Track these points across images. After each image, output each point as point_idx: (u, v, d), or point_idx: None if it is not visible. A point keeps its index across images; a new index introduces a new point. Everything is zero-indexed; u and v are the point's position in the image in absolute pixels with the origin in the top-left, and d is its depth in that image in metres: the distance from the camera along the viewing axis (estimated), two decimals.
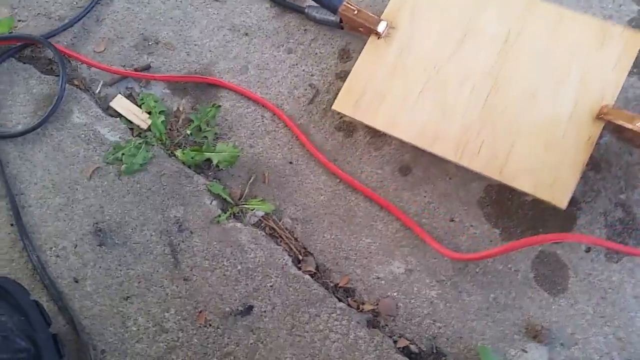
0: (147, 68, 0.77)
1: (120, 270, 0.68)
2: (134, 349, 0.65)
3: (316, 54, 0.74)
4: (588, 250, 0.64)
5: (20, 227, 0.70)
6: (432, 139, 0.64)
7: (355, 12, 0.69)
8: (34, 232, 0.70)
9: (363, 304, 0.66)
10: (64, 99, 0.75)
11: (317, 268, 0.67)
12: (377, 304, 0.65)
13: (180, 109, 0.75)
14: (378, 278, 0.66)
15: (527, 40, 0.65)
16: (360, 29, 0.70)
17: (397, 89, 0.67)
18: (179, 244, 0.68)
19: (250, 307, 0.66)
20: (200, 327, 0.65)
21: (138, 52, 0.77)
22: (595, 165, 0.67)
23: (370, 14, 0.69)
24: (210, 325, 0.65)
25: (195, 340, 0.65)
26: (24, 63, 0.79)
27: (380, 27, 0.68)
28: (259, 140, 0.72)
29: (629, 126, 0.58)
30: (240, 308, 0.66)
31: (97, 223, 0.69)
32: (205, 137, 0.73)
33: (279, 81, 0.74)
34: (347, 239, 0.68)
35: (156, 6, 0.80)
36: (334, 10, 0.71)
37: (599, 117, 0.61)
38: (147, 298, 0.67)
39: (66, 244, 0.69)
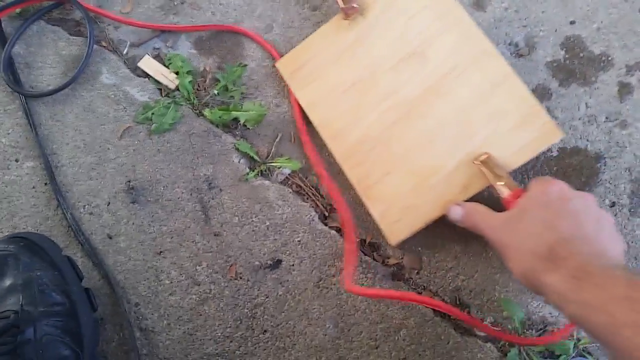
0: None
1: (153, 227, 0.69)
2: (167, 301, 0.67)
3: None
4: (612, 205, 0.64)
5: (54, 186, 0.71)
6: (333, 135, 0.67)
7: None
8: (67, 190, 0.72)
9: (388, 258, 0.67)
10: (92, 59, 0.75)
11: (342, 224, 0.68)
12: (402, 258, 0.66)
13: (207, 69, 0.75)
14: None
15: (462, 86, 0.63)
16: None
17: (332, 75, 0.68)
18: (209, 201, 0.70)
19: (279, 261, 0.67)
20: (231, 280, 0.67)
21: (164, 13, 0.77)
22: (622, 121, 0.67)
23: None
24: (240, 278, 0.67)
25: (227, 292, 0.67)
26: (53, 25, 0.79)
27: (349, 9, 0.67)
28: (284, 100, 0.73)
29: (492, 182, 0.58)
30: (269, 262, 0.67)
31: (129, 181, 0.71)
32: (232, 96, 0.73)
33: (304, 39, 0.74)
34: None
35: None
36: None
37: (474, 161, 0.60)
38: (179, 253, 0.68)
39: (99, 201, 0.71)
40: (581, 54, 0.70)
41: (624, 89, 0.68)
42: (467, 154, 0.61)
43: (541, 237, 0.48)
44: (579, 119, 0.68)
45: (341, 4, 0.67)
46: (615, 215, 0.64)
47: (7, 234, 0.69)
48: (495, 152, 0.60)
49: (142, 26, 0.76)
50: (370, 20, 0.68)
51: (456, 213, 0.59)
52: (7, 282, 0.60)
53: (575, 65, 0.70)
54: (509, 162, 0.60)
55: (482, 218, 0.56)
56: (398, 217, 0.63)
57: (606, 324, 0.39)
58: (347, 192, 0.69)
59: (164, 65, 0.75)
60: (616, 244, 0.50)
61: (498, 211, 0.56)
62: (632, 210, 0.64)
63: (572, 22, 0.71)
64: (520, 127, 0.60)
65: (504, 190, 0.57)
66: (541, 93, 0.69)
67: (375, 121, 0.66)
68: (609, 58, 0.69)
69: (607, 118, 0.68)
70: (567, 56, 0.70)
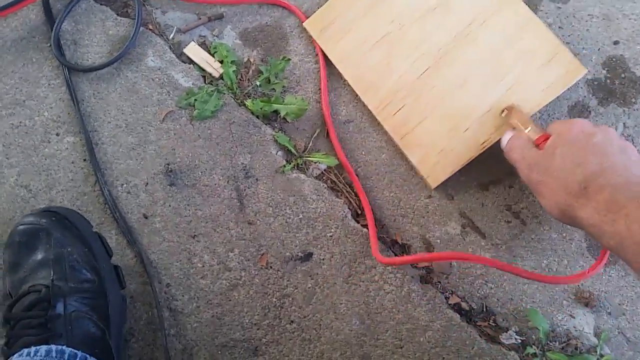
0: (221, 17, 0.76)
1: (189, 210, 0.69)
2: (198, 284, 0.67)
3: None
4: None
5: (94, 163, 0.71)
6: (366, 88, 0.69)
7: None
8: (106, 168, 0.71)
9: (424, 264, 0.66)
10: (139, 41, 0.75)
11: (375, 223, 0.68)
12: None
13: (251, 60, 0.74)
14: (434, 237, 0.67)
15: (487, 31, 0.65)
16: None
17: (361, 30, 0.70)
18: (245, 190, 0.69)
19: (310, 254, 0.67)
20: (261, 268, 0.66)
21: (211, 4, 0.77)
22: None
23: None
24: (271, 267, 0.66)
25: (257, 280, 0.66)
26: (101, 5, 0.78)
27: None
28: (327, 96, 0.72)
29: (521, 128, 0.59)
30: (300, 254, 0.67)
31: (168, 164, 0.70)
32: (274, 89, 0.73)
33: None
34: (405, 197, 0.68)
35: None
36: None
37: (501, 113, 0.62)
38: (213, 238, 0.68)
39: (137, 181, 0.70)
40: (623, 75, 0.69)
41: None
42: (499, 95, 0.63)
43: (572, 173, 0.50)
44: None
45: None
46: None
47: (42, 206, 0.68)
48: (525, 91, 0.62)
49: (191, 0, 0.76)
50: None
51: (504, 139, 0.60)
52: (39, 255, 0.60)
53: (615, 85, 0.69)
54: (539, 99, 0.62)
55: (520, 151, 0.56)
56: (436, 161, 0.64)
57: (637, 253, 0.41)
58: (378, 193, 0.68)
59: (209, 54, 0.74)
60: None
61: None
62: None
63: (615, 42, 0.70)
64: (547, 66, 0.62)
65: (532, 135, 0.57)
66: (580, 110, 0.69)
67: (407, 71, 0.67)
68: None
69: None
70: (608, 75, 0.69)
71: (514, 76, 0.63)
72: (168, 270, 0.67)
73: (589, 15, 0.71)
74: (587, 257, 0.64)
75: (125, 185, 0.71)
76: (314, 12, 0.74)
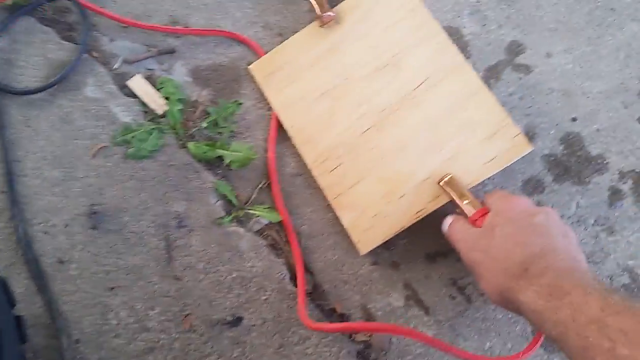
0: (172, 52, 0.69)
1: (110, 259, 0.60)
2: (110, 344, 0.58)
3: None
4: None
5: (12, 196, 0.62)
6: (305, 140, 0.63)
7: None
8: (24, 203, 0.63)
9: (356, 333, 0.59)
10: (80, 68, 0.67)
11: (314, 287, 0.61)
12: (370, 336, 0.59)
13: (199, 100, 0.67)
14: (375, 308, 0.60)
15: (434, 97, 0.60)
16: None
17: (307, 81, 0.65)
18: (175, 241, 0.61)
19: (240, 319, 0.59)
20: (184, 331, 0.58)
21: (165, 34, 0.70)
22: (609, 227, 0.62)
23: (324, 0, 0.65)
24: (194, 331, 0.58)
25: (177, 344, 0.58)
26: (45, 25, 0.70)
27: (325, 17, 0.64)
28: (275, 146, 0.65)
29: (457, 202, 0.55)
30: (228, 318, 0.59)
31: (93, 205, 0.62)
32: (220, 133, 0.66)
33: None
34: (349, 262, 0.62)
35: None
36: None
37: (439, 182, 0.57)
38: (133, 292, 0.59)
39: (57, 221, 0.62)
40: (579, 153, 0.65)
41: (615, 195, 0.64)
42: (438, 163, 0.59)
43: (512, 254, 0.46)
44: (569, 217, 0.63)
45: (318, 12, 0.64)
46: None
47: None
48: (466, 162, 0.58)
49: (144, 27, 0.69)
50: (346, 29, 0.64)
51: (445, 222, 0.55)
52: None
53: (571, 163, 0.65)
54: (479, 173, 0.57)
55: (459, 230, 0.52)
56: (368, 226, 0.59)
57: (580, 347, 0.37)
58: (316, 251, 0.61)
59: (155, 88, 0.67)
60: (583, 256, 0.47)
61: None
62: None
63: (573, 119, 0.67)
64: (491, 139, 0.58)
65: (469, 209, 0.53)
66: (534, 185, 0.64)
67: (348, 128, 0.62)
68: (605, 161, 0.65)
69: (595, 222, 0.63)
70: (564, 152, 0.66)
71: (455, 146, 0.58)
72: (79, 324, 0.58)
73: (549, 88, 0.68)
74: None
75: (43, 224, 0.62)
76: None
